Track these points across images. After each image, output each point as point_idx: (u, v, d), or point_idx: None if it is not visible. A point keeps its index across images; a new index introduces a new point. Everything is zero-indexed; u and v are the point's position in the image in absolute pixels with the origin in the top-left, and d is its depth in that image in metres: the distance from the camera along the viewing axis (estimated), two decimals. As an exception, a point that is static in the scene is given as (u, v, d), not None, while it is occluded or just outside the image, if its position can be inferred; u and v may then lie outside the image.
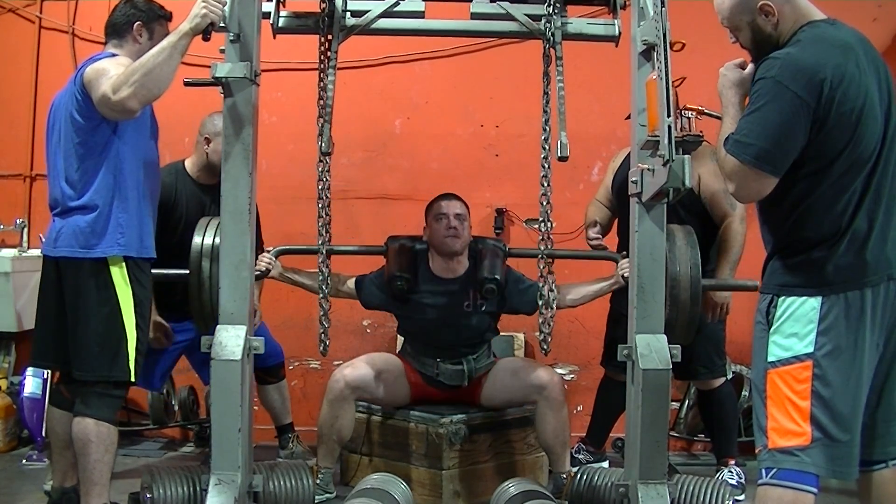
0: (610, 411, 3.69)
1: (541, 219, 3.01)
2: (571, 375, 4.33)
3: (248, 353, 2.63)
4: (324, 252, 3.11)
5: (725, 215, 3.39)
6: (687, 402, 4.21)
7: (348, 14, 3.04)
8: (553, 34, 2.98)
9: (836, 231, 2.05)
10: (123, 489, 3.05)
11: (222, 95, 2.63)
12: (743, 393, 4.02)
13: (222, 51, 2.64)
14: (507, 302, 3.39)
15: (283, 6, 3.07)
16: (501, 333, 3.66)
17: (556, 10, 2.98)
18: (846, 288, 2.04)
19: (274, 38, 3.05)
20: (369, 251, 3.50)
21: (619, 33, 3.03)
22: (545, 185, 2.97)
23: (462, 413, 3.33)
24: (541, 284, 3.04)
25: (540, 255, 3.03)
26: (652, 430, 2.55)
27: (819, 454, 2.01)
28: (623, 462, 2.85)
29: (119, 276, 2.73)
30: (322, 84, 2.98)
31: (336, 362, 3.80)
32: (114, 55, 2.77)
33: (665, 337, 2.63)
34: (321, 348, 3.09)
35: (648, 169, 2.42)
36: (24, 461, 3.75)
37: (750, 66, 2.19)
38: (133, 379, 2.77)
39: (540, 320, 3.03)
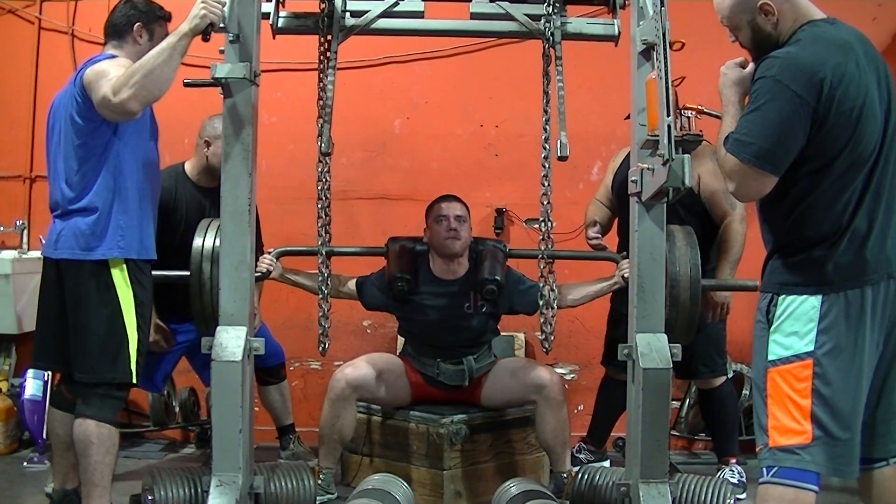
0: (611, 411, 3.69)
1: (541, 218, 3.01)
2: (572, 375, 4.33)
3: (248, 353, 2.63)
4: (323, 253, 3.11)
5: (725, 215, 3.39)
6: (688, 401, 4.21)
7: (348, 14, 3.04)
8: (552, 34, 2.98)
9: (836, 230, 2.05)
10: (124, 491, 3.05)
11: (222, 96, 2.63)
12: (743, 392, 4.02)
13: (222, 51, 2.64)
14: (508, 303, 3.39)
15: (283, 6, 3.07)
16: (502, 333, 3.66)
17: (555, 10, 2.98)
18: (846, 287, 2.04)
19: (273, 38, 3.05)
20: (370, 252, 3.50)
21: (619, 33, 3.03)
22: (545, 184, 2.98)
23: (462, 413, 3.33)
24: (541, 284, 3.04)
25: (540, 256, 3.03)
26: (653, 429, 2.55)
27: (820, 452, 2.01)
28: (624, 461, 2.85)
29: (120, 278, 2.73)
30: (322, 84, 2.98)
31: (336, 363, 3.80)
32: (113, 56, 2.77)
33: (665, 336, 2.63)
34: (321, 349, 3.09)
35: (648, 168, 2.42)
36: (25, 463, 3.75)
37: (750, 65, 2.19)
38: (134, 380, 2.77)
39: (541, 320, 3.04)
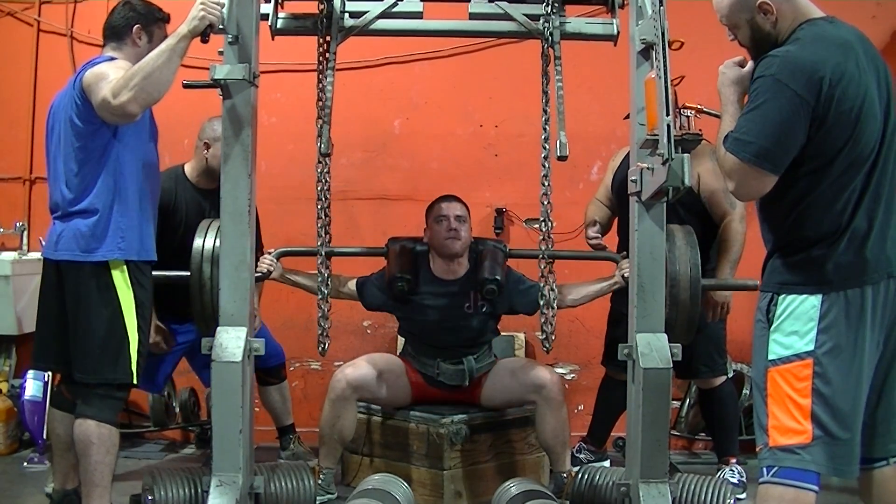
0: (611, 410, 3.69)
1: (542, 218, 3.01)
2: (572, 375, 4.33)
3: (248, 354, 2.63)
4: (323, 253, 3.11)
5: (725, 214, 3.39)
6: (688, 400, 4.21)
7: (346, 15, 3.05)
8: (552, 34, 2.98)
9: (835, 229, 2.05)
10: (125, 491, 3.05)
11: (221, 97, 2.63)
12: (744, 391, 4.02)
13: (221, 53, 2.64)
14: (508, 302, 3.39)
15: (282, 8, 3.07)
16: (502, 333, 3.66)
17: (554, 10, 2.99)
18: (846, 286, 2.04)
19: (272, 39, 3.06)
20: (370, 252, 3.51)
21: (618, 32, 3.03)
22: (545, 184, 2.97)
23: (463, 413, 3.33)
24: (542, 284, 3.04)
25: (541, 256, 3.03)
26: (653, 429, 2.55)
27: (820, 452, 2.01)
28: (624, 461, 2.85)
29: (120, 279, 2.73)
30: (321, 85, 2.98)
31: (336, 363, 3.80)
32: (112, 58, 2.77)
33: (665, 336, 2.63)
34: (320, 349, 3.09)
35: (648, 168, 2.42)
36: (25, 464, 3.75)
37: (749, 64, 2.19)
38: (135, 381, 2.77)
39: (542, 320, 3.03)
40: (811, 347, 2.04)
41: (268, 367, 3.66)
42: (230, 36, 2.60)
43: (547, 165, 2.98)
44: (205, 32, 2.59)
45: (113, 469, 2.73)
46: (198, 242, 2.89)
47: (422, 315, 3.39)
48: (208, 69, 2.56)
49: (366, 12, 3.04)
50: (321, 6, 3.00)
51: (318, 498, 3.06)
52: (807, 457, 2.01)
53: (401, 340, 3.73)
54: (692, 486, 2.76)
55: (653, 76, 2.26)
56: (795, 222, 2.09)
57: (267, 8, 2.98)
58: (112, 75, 2.61)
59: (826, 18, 2.13)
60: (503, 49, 4.17)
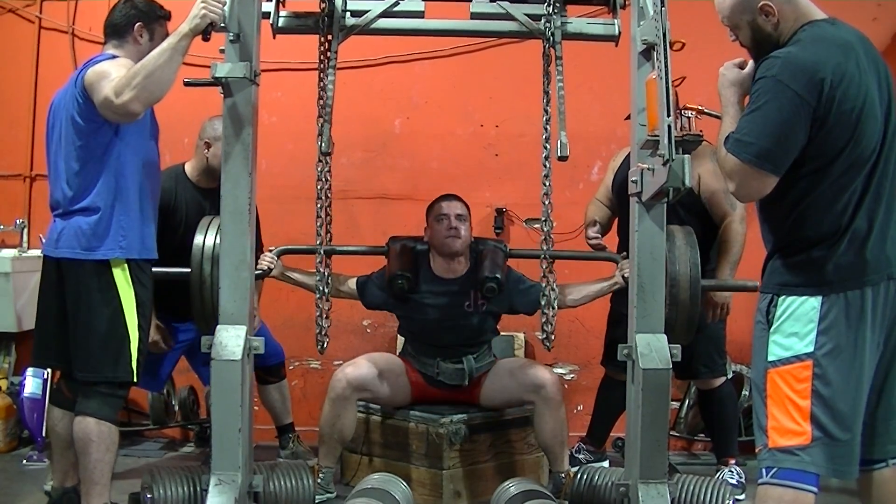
0: (610, 411, 3.69)
1: (543, 218, 3.00)
2: (571, 375, 4.33)
3: (248, 353, 2.63)
4: (321, 252, 3.11)
5: (725, 215, 3.39)
6: (687, 401, 4.21)
7: (348, 14, 3.05)
8: (553, 34, 2.98)
9: (836, 230, 2.05)
10: (124, 489, 3.05)
11: (222, 95, 2.63)
12: (743, 392, 4.02)
13: (222, 51, 2.64)
14: (508, 302, 3.39)
15: (283, 6, 3.07)
16: (501, 333, 3.67)
17: (555, 10, 2.99)
18: (846, 287, 2.04)
19: (274, 38, 3.05)
20: (371, 251, 3.51)
21: (619, 33, 3.03)
22: (546, 184, 2.97)
23: (462, 413, 3.33)
24: (543, 284, 3.04)
25: (543, 256, 3.03)
26: (652, 429, 2.55)
27: (819, 453, 2.01)
28: (623, 461, 2.85)
29: (121, 278, 2.73)
30: (322, 84, 2.98)
31: (336, 362, 3.81)
32: (114, 56, 2.77)
33: (665, 336, 2.63)
34: (319, 347, 3.09)
35: (648, 168, 2.42)
36: (24, 461, 3.75)
37: (749, 65, 2.19)
38: (135, 379, 2.77)
39: (542, 320, 3.03)
40: (811, 349, 2.04)
41: (267, 366, 3.66)
42: (231, 34, 2.60)
43: (548, 165, 2.98)
44: (206, 31, 2.59)
45: (112, 467, 2.73)
46: (198, 240, 2.89)
47: (422, 314, 3.39)
48: (209, 67, 2.56)
49: (367, 11, 3.04)
50: (323, 5, 3.00)
51: (317, 497, 3.06)
52: (806, 458, 2.01)
53: (400, 340, 3.73)
54: (691, 487, 2.76)
55: (654, 77, 2.26)
56: (796, 223, 2.09)
57: (268, 6, 2.98)
58: (114, 74, 2.61)
59: (827, 20, 2.13)
60: (504, 49, 4.17)
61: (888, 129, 2.07)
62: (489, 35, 3.62)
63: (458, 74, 4.35)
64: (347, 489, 3.16)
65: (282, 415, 3.82)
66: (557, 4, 2.99)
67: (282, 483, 2.78)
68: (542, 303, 3.05)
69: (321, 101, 2.96)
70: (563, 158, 2.80)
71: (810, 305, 2.05)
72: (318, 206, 3.09)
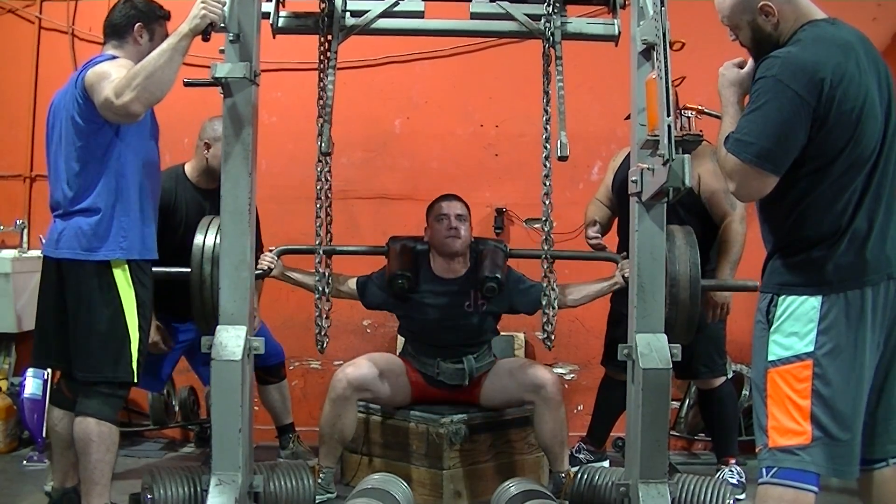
0: (610, 411, 3.69)
1: (543, 218, 3.00)
2: (572, 375, 4.33)
3: (248, 353, 2.63)
4: (320, 253, 3.11)
5: (725, 215, 3.39)
6: (687, 401, 4.21)
7: (348, 14, 3.04)
8: (553, 34, 2.98)
9: (836, 230, 2.05)
10: (124, 490, 3.05)
11: (222, 96, 2.63)
12: (743, 392, 4.02)
13: (222, 51, 2.64)
14: (508, 302, 3.39)
15: (283, 6, 3.07)
16: (501, 333, 3.67)
17: (555, 10, 2.99)
18: (846, 287, 2.04)
19: (273, 38, 3.05)
20: (371, 251, 3.51)
21: (619, 33, 3.03)
22: (547, 184, 2.97)
23: (462, 413, 3.33)
24: (543, 284, 3.04)
25: (544, 256, 3.02)
26: (652, 429, 2.55)
27: (819, 453, 2.01)
28: (623, 461, 2.85)
29: (122, 278, 2.73)
30: (322, 84, 2.98)
31: (336, 362, 3.80)
32: (114, 57, 2.77)
33: (665, 336, 2.63)
34: (319, 347, 3.09)
35: (648, 168, 2.42)
36: (24, 462, 3.75)
37: (749, 65, 2.19)
38: (135, 379, 2.77)
39: (543, 319, 3.03)
40: (811, 349, 2.04)
41: (267, 366, 3.66)
42: (231, 34, 2.60)
43: (548, 165, 2.98)
44: (206, 31, 2.59)
45: (112, 467, 2.73)
46: (198, 240, 2.89)
47: (422, 314, 3.39)
48: (209, 67, 2.56)
49: (367, 11, 3.04)
50: (322, 5, 3.00)
51: (317, 497, 3.06)
52: (806, 458, 2.01)
53: (400, 340, 3.73)
54: (691, 487, 2.76)
55: (654, 77, 2.26)
56: (796, 223, 2.09)
57: (268, 6, 2.98)
58: (114, 74, 2.61)
59: (827, 20, 2.13)
60: (504, 49, 4.17)
61: (888, 129, 2.07)
62: (489, 35, 3.62)
63: (458, 74, 4.35)
64: (348, 489, 3.16)
65: (282, 415, 3.82)
66: (557, 4, 2.99)
67: (282, 483, 2.78)
68: (543, 303, 3.05)
69: (321, 101, 2.96)
70: (563, 158, 2.80)
71: (810, 305, 2.05)
72: (318, 206, 3.09)
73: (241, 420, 2.56)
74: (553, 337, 3.05)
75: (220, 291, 2.65)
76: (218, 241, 2.79)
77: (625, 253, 3.03)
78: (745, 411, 3.87)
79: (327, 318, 3.16)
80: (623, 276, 3.16)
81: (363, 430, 3.44)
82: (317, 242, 3.10)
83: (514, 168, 4.28)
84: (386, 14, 3.04)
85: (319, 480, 3.22)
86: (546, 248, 3.03)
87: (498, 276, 3.31)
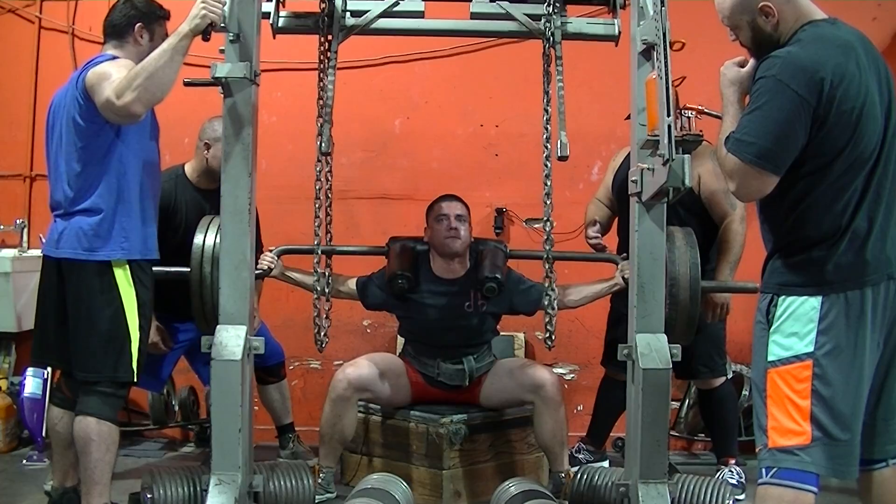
0: (610, 411, 3.69)
1: (545, 218, 3.00)
2: (572, 375, 4.33)
3: (248, 353, 2.63)
4: (319, 253, 3.11)
5: (725, 215, 3.39)
6: (687, 401, 4.21)
7: (348, 14, 3.04)
8: (553, 34, 2.98)
9: (836, 230, 2.05)
10: (124, 489, 3.05)
11: (222, 95, 2.63)
12: (743, 392, 4.02)
13: (222, 51, 2.64)
14: (508, 302, 3.39)
15: (283, 6, 3.07)
16: (501, 333, 3.67)
17: (555, 10, 2.98)
18: (846, 287, 2.04)
19: (274, 38, 3.05)
20: (371, 252, 3.51)
21: (619, 33, 3.03)
22: (548, 184, 2.97)
23: (462, 413, 3.33)
24: (546, 284, 3.03)
25: (546, 257, 3.02)
26: (652, 429, 2.55)
27: (819, 453, 2.01)
28: (623, 461, 2.85)
29: (122, 278, 2.73)
30: (322, 84, 2.98)
31: (336, 362, 3.80)
32: (114, 57, 2.76)
33: (665, 336, 2.63)
34: (318, 347, 3.08)
35: (648, 168, 2.42)
36: (24, 461, 3.75)
37: (750, 64, 2.18)
38: (135, 379, 2.77)
39: (546, 319, 3.03)
40: (811, 349, 2.04)
41: (267, 366, 3.66)
42: (231, 34, 2.60)
43: (548, 165, 2.98)
44: (206, 31, 2.59)
45: (112, 467, 2.73)
46: (198, 240, 2.89)
47: (422, 314, 3.39)
48: (209, 67, 2.56)
49: (367, 11, 3.04)
50: (323, 5, 3.00)
51: (317, 497, 3.06)
52: (806, 458, 2.01)
53: (400, 340, 3.73)
54: (691, 487, 2.76)
55: (654, 77, 2.26)
56: (796, 223, 2.09)
57: (268, 6, 2.98)
58: (115, 75, 2.61)
59: (827, 20, 2.13)
60: (504, 49, 4.17)
61: (888, 129, 2.07)
62: (489, 35, 3.62)
63: (458, 74, 4.35)
64: (347, 489, 3.16)
65: (282, 415, 3.82)
66: (557, 4, 2.99)
67: (282, 483, 2.78)
68: (545, 303, 3.05)
69: (321, 101, 2.96)
70: (563, 158, 2.80)
71: (810, 305, 2.05)
72: (317, 206, 3.09)
73: (241, 420, 2.56)
74: (553, 337, 3.05)
75: (220, 291, 2.65)
76: (218, 241, 2.79)
77: (625, 254, 3.03)
78: (745, 411, 3.87)
79: (327, 318, 3.17)
80: (623, 278, 3.16)
81: (363, 430, 3.44)
82: (315, 243, 3.10)
83: (514, 168, 4.28)
84: (386, 14, 3.04)
85: (319, 480, 3.23)
86: (547, 248, 3.03)
87: (498, 276, 3.30)
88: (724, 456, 3.56)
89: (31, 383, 3.78)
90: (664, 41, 2.24)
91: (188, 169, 3.57)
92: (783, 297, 2.09)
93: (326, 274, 3.23)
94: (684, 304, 2.83)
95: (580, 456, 3.71)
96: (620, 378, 2.96)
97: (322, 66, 3.01)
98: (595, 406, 3.83)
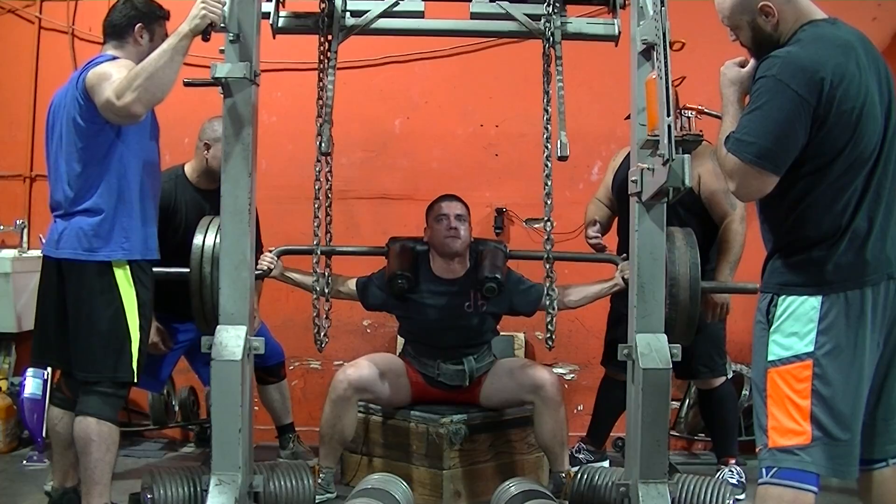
0: (610, 411, 3.69)
1: (545, 218, 3.00)
2: (572, 375, 4.33)
3: (248, 353, 2.63)
4: (318, 253, 3.10)
5: (725, 215, 3.39)
6: (687, 401, 4.21)
7: (348, 14, 3.04)
8: (553, 34, 2.98)
9: (836, 230, 2.05)
10: (124, 490, 3.05)
11: (222, 96, 2.63)
12: (743, 392, 4.02)
13: (222, 51, 2.64)
14: (508, 302, 3.39)
15: (283, 6, 3.07)
16: (501, 333, 3.67)
17: (555, 10, 2.98)
18: (846, 287, 2.04)
19: (273, 38, 3.05)
20: (370, 252, 3.51)
21: (619, 33, 3.03)
22: (548, 184, 2.97)
23: (462, 413, 3.33)
24: (547, 284, 3.03)
25: (547, 257, 3.02)
26: (652, 429, 2.55)
27: (819, 453, 2.01)
28: (623, 461, 2.85)
29: (123, 278, 2.73)
30: (321, 84, 2.98)
31: (336, 363, 3.80)
32: (115, 58, 2.76)
33: (665, 336, 2.63)
34: (318, 347, 3.08)
35: (648, 168, 2.42)
36: (24, 462, 3.75)
37: (750, 64, 2.18)
38: (135, 379, 2.77)
39: (547, 319, 3.02)
40: (811, 349, 2.03)
41: (267, 366, 3.66)
42: (231, 34, 2.60)
43: (549, 165, 2.97)
44: (206, 31, 2.59)
45: (112, 467, 2.73)
46: (197, 240, 2.89)
47: (422, 314, 3.39)
48: (209, 67, 2.56)
49: (367, 11, 3.04)
50: (322, 5, 3.00)
51: (317, 497, 3.06)
52: (806, 458, 2.01)
53: (401, 340, 3.72)
54: (691, 487, 2.76)
55: (654, 77, 2.26)
56: (796, 223, 2.09)
57: (268, 6, 2.98)
58: (115, 75, 2.61)
59: (827, 20, 2.13)
60: (504, 49, 4.16)
61: (888, 129, 2.07)
62: (489, 35, 3.62)
63: (458, 74, 4.35)
64: (348, 489, 3.16)
65: (282, 415, 3.82)
66: (557, 4, 2.99)
67: (282, 483, 2.78)
68: (546, 303, 3.05)
69: (321, 101, 2.96)
70: (563, 158, 2.80)
71: (810, 305, 2.05)
72: (316, 206, 3.08)
73: (241, 420, 2.56)
74: (553, 337, 3.05)
75: (220, 291, 2.65)
76: (217, 241, 2.79)
77: (625, 254, 3.03)
78: (745, 411, 3.87)
79: (327, 318, 3.17)
80: (623, 278, 3.16)
81: (363, 430, 3.44)
82: (315, 243, 3.10)
83: (514, 168, 4.28)
84: (386, 14, 3.04)
85: (319, 480, 3.22)
86: (548, 248, 3.03)
87: (498, 276, 3.30)
88: (724, 456, 3.56)
89: (31, 384, 3.78)
90: (664, 41, 2.24)
91: (188, 169, 3.57)
92: (783, 296, 2.09)
93: (326, 274, 3.23)
94: (684, 304, 2.83)
95: (580, 456, 3.71)
96: (620, 378, 2.96)
97: (322, 66, 3.01)
98: (595, 406, 3.83)
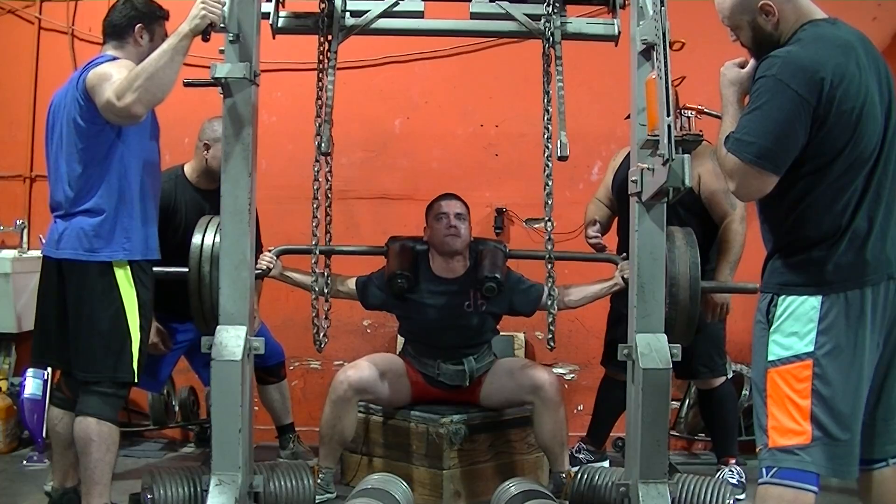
0: (610, 411, 3.69)
1: (546, 218, 3.00)
2: (572, 375, 4.33)
3: (248, 353, 2.63)
4: (317, 253, 3.10)
5: (725, 215, 3.39)
6: (687, 401, 4.21)
7: (348, 14, 3.04)
8: (552, 34, 2.98)
9: (836, 230, 2.05)
10: (124, 490, 3.05)
11: (222, 96, 2.63)
12: (743, 392, 4.02)
13: (222, 51, 2.64)
14: (508, 302, 3.39)
15: (283, 6, 3.07)
16: (501, 333, 3.66)
17: (555, 10, 2.98)
18: (846, 287, 2.04)
19: (273, 38, 3.05)
20: (370, 251, 3.50)
21: (619, 33, 3.03)
22: (549, 184, 2.96)
23: (462, 413, 3.33)
24: (548, 284, 3.03)
25: (547, 257, 3.02)
26: (652, 429, 2.55)
27: (819, 453, 2.01)
28: (623, 461, 2.85)
29: (123, 279, 2.73)
30: (321, 84, 2.98)
31: (336, 363, 3.80)
32: (115, 58, 2.76)
33: (665, 336, 2.63)
34: (317, 347, 3.08)
35: (648, 168, 2.42)
36: (24, 462, 3.75)
37: (750, 64, 2.18)
38: (136, 379, 2.77)
39: (548, 319, 3.02)
40: (811, 349, 2.04)
41: (267, 366, 3.66)
42: (231, 34, 2.60)
43: (549, 165, 2.97)
44: (206, 31, 2.59)
45: (112, 467, 2.73)
46: (197, 240, 2.89)
47: (421, 314, 3.39)
48: (209, 67, 2.56)
49: (367, 11, 3.04)
50: (322, 5, 2.99)
51: (317, 497, 3.06)
52: (806, 458, 2.01)
53: (401, 340, 3.72)
54: (691, 487, 2.76)
55: (654, 76, 2.26)
56: (796, 223, 2.09)
57: (268, 6, 2.97)
58: (115, 76, 2.61)
59: (828, 19, 2.13)
60: (504, 49, 4.16)
61: (888, 129, 2.07)
62: (489, 35, 3.62)
63: (458, 74, 4.35)
64: (348, 489, 3.16)
65: (282, 415, 3.82)
66: (557, 4, 2.99)
67: (282, 483, 2.78)
68: (547, 303, 3.05)
69: (321, 101, 2.96)
70: (563, 158, 2.80)
71: (810, 305, 2.05)
72: (314, 206, 3.08)
73: (241, 420, 2.56)
74: (554, 337, 3.04)
75: (220, 291, 2.65)
76: (217, 241, 2.79)
77: (625, 254, 3.03)
78: (745, 411, 3.87)
79: (326, 318, 3.16)
80: (623, 278, 3.16)
81: (363, 430, 3.44)
82: (313, 243, 3.10)
83: (515, 168, 4.28)
84: (386, 14, 3.04)
85: (319, 481, 3.22)
86: (549, 248, 3.03)
87: (497, 275, 3.30)
88: (724, 456, 3.56)
89: (32, 384, 3.78)
90: (664, 41, 2.24)
91: (188, 169, 3.57)
92: (783, 296, 2.09)
93: (325, 274, 3.22)
94: (684, 304, 2.83)
95: (580, 456, 3.71)
96: (620, 378, 2.96)
97: (322, 66, 3.01)
98: (595, 406, 3.83)
